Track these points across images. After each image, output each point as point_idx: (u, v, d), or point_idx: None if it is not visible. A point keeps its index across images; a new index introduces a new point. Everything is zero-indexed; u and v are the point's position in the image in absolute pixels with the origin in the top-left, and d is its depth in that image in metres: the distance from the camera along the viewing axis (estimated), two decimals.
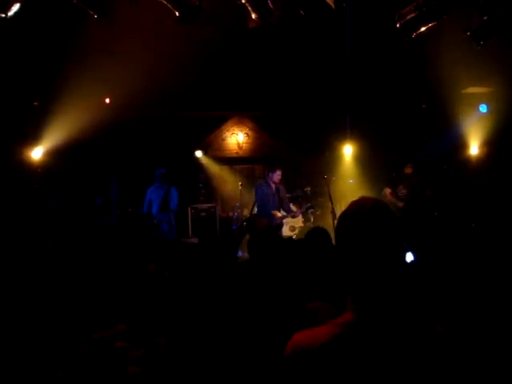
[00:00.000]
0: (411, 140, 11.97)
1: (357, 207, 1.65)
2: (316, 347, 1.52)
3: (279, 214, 9.28)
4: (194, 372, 2.60)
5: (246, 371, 2.82)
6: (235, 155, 13.30)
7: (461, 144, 12.30)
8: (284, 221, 9.62)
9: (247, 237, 9.33)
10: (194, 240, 10.38)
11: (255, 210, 9.75)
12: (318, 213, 11.65)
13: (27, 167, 10.41)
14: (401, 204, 9.35)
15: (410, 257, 3.54)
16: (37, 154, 10.52)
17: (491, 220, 9.47)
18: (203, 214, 11.76)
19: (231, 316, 3.09)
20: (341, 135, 12.81)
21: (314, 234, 4.40)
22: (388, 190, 9.72)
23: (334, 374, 1.48)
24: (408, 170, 9.75)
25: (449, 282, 3.24)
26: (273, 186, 9.20)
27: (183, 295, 3.32)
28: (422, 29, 6.55)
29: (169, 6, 5.66)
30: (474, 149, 12.37)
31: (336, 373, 1.48)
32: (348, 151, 13.04)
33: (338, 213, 1.78)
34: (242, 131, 13.33)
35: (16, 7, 5.19)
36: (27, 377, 2.81)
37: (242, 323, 3.03)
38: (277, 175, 9.15)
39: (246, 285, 3.38)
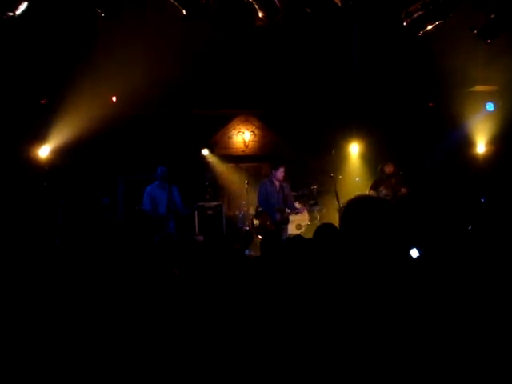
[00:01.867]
0: (418, 138, 11.96)
1: (362, 197, 1.68)
2: None
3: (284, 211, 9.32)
4: (202, 369, 2.62)
5: (253, 368, 2.83)
6: (241, 153, 13.30)
7: (467, 142, 12.28)
8: (290, 218, 9.62)
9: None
10: (200, 238, 10.38)
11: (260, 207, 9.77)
12: (324, 211, 11.66)
13: (34, 165, 10.45)
14: None
15: (415, 253, 3.54)
16: (44, 152, 10.56)
17: (496, 218, 9.45)
18: (209, 212, 11.76)
19: (238, 314, 3.10)
20: (347, 133, 12.80)
21: (323, 230, 4.40)
22: (371, 193, 9.73)
23: None
24: (388, 170, 9.69)
25: (454, 277, 3.25)
26: (277, 183, 9.18)
27: (191, 293, 3.34)
28: (429, 27, 6.55)
29: (176, 4, 5.67)
30: (481, 147, 12.35)
31: None
32: (354, 149, 13.03)
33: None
34: (248, 129, 13.34)
35: (24, 6, 5.22)
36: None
37: (249, 321, 3.04)
38: (280, 172, 9.12)
39: (255, 282, 3.40)
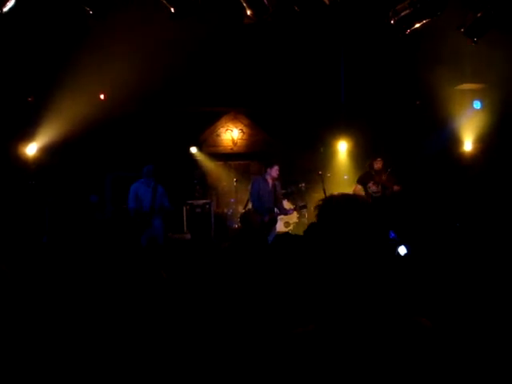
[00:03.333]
0: (405, 136, 12.01)
1: (329, 201, 1.68)
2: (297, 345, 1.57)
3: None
4: (196, 371, 2.63)
5: (244, 370, 2.84)
6: (230, 151, 13.31)
7: (455, 140, 12.34)
8: (278, 217, 9.63)
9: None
10: (189, 236, 10.38)
11: (249, 205, 9.75)
12: (312, 209, 11.68)
13: (22, 163, 10.39)
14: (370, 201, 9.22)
15: (403, 250, 3.56)
16: (31, 150, 10.49)
17: (484, 215, 9.52)
18: (198, 210, 11.73)
19: (230, 314, 3.11)
20: (335, 131, 12.84)
21: (314, 229, 4.41)
22: (358, 187, 9.75)
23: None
24: (377, 165, 9.63)
25: (442, 275, 3.28)
26: (270, 181, 9.17)
27: (180, 293, 3.33)
28: (417, 25, 6.57)
29: (164, 2, 5.66)
30: (468, 145, 12.42)
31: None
32: (342, 147, 13.07)
33: None
34: (236, 127, 13.34)
35: (11, 3, 5.18)
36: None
37: (242, 320, 3.05)
38: (275, 170, 9.11)
39: (244, 281, 3.41)
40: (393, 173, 9.69)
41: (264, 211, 9.01)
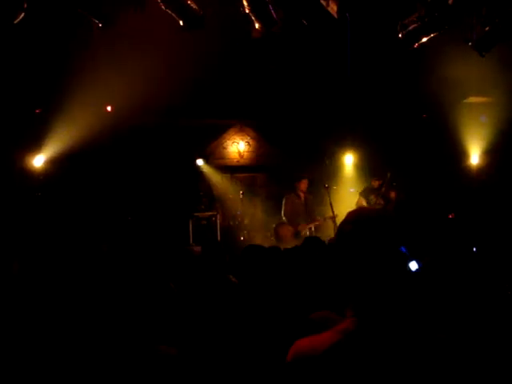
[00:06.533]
0: (411, 149, 11.99)
1: (358, 216, 1.68)
2: (318, 353, 1.55)
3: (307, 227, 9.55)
4: (202, 380, 2.61)
5: (250, 380, 2.82)
6: (236, 164, 13.32)
7: (461, 153, 12.32)
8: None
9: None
10: (198, 249, 10.35)
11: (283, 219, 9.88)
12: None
13: (29, 175, 10.39)
14: None
15: (414, 265, 3.55)
16: (38, 161, 10.51)
17: (492, 230, 9.47)
18: (204, 222, 11.74)
19: (235, 326, 3.09)
20: (342, 144, 12.84)
21: (309, 244, 4.45)
22: (360, 199, 10.24)
23: (334, 379, 1.51)
24: (375, 184, 10.08)
25: (453, 290, 3.26)
26: (302, 195, 9.32)
27: (190, 305, 3.32)
28: (424, 39, 6.61)
29: (173, 15, 5.69)
30: (475, 158, 12.39)
31: (336, 379, 1.50)
32: (349, 160, 13.07)
33: (339, 221, 1.81)
34: (243, 140, 13.36)
35: (21, 16, 5.23)
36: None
37: (245, 332, 3.03)
38: (304, 183, 9.33)
39: (248, 295, 3.39)
40: (393, 186, 9.96)
41: (295, 225, 9.21)
